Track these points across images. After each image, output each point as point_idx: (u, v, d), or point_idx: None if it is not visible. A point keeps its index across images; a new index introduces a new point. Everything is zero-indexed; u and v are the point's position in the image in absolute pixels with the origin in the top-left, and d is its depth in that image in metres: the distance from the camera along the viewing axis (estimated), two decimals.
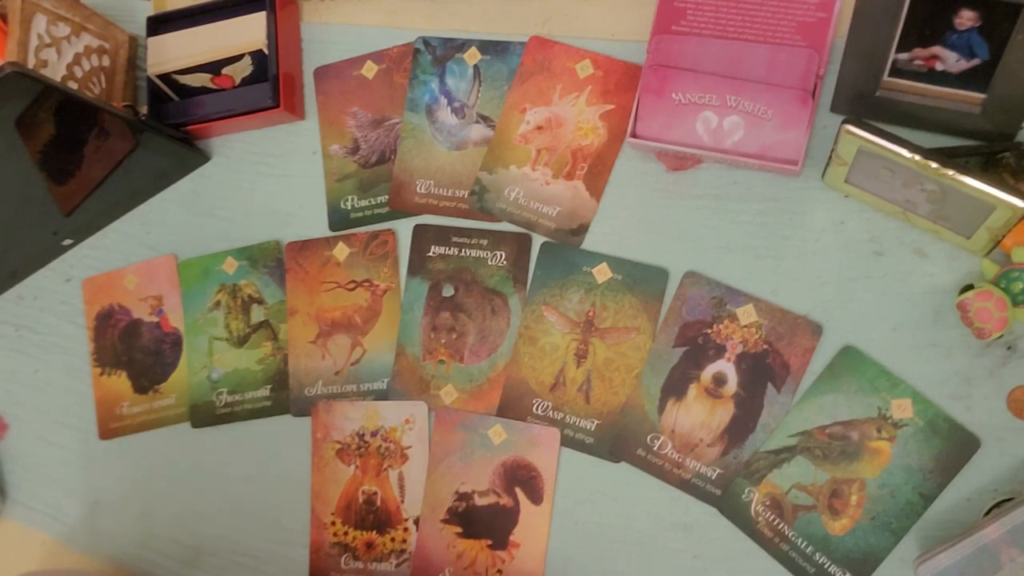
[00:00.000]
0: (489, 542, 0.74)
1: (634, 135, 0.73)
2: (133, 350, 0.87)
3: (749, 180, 0.72)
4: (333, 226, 0.83)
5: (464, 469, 0.76)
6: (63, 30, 0.82)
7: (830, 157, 0.66)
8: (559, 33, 0.79)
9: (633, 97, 0.74)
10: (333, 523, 0.79)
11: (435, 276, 0.79)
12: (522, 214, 0.77)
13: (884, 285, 0.68)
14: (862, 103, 0.69)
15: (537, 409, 0.75)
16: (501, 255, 0.78)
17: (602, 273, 0.75)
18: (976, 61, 0.64)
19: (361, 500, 0.78)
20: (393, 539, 0.77)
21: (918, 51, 0.65)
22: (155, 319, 0.87)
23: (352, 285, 0.81)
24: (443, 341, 0.78)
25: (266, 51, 0.83)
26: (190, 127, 0.86)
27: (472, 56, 0.81)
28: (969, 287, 0.63)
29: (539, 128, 0.78)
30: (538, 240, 0.77)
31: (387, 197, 0.82)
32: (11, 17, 0.77)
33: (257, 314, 0.84)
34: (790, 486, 0.68)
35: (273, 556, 0.81)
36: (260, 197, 0.86)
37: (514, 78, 0.79)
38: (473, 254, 0.78)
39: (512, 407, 0.75)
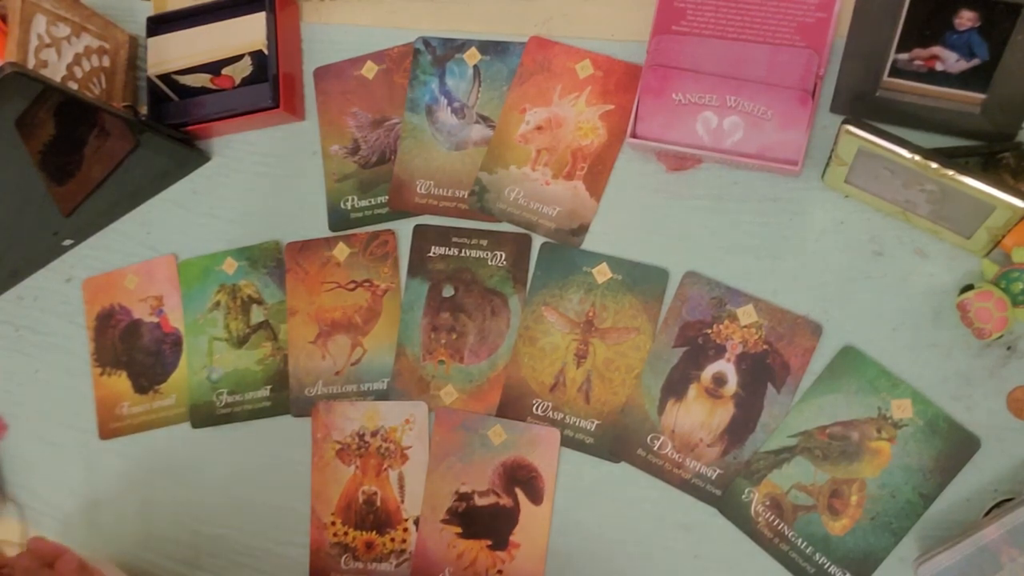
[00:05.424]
0: (489, 542, 0.74)
1: (634, 135, 0.73)
2: (133, 350, 0.87)
3: (749, 180, 0.72)
4: (333, 226, 0.83)
5: (464, 469, 0.76)
6: (63, 30, 0.81)
7: (830, 157, 0.66)
8: (559, 33, 0.79)
9: (633, 97, 0.74)
10: (333, 523, 0.79)
11: (435, 276, 0.79)
12: (522, 214, 0.77)
13: (884, 285, 0.68)
14: (862, 103, 0.69)
15: (537, 409, 0.75)
16: (501, 255, 0.78)
17: (602, 273, 0.75)
18: (976, 61, 0.64)
19: (361, 500, 0.78)
20: (393, 539, 0.77)
21: (918, 51, 0.65)
22: (155, 319, 0.87)
23: (352, 285, 0.81)
24: (443, 341, 0.78)
25: (266, 51, 0.83)
26: (190, 127, 0.86)
27: (472, 56, 0.81)
28: (969, 287, 0.63)
29: (539, 128, 0.78)
30: (538, 240, 0.77)
31: (387, 197, 0.82)
32: (11, 17, 0.77)
33: (257, 314, 0.84)
34: (790, 486, 0.68)
35: (273, 556, 0.81)
36: (260, 197, 0.86)
37: (514, 78, 0.79)
38: (473, 254, 0.78)
39: (512, 407, 0.75)
